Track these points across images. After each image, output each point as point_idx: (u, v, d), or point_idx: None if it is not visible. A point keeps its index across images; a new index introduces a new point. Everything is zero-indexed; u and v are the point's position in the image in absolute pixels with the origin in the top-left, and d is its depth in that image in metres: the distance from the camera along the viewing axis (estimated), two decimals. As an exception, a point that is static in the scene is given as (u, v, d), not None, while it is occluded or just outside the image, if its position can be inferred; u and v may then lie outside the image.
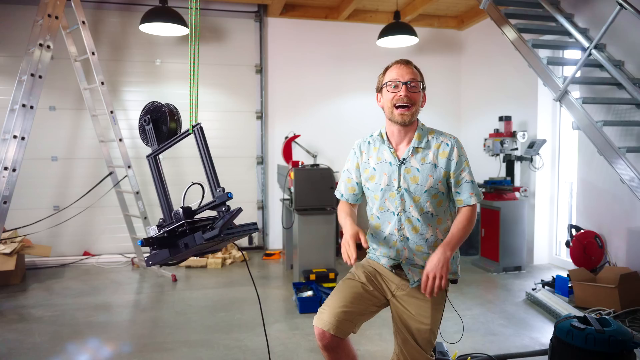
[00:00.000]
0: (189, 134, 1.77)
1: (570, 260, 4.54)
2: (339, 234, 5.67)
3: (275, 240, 6.08)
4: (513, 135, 5.14)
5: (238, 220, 1.68)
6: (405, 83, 1.89)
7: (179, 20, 4.93)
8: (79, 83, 5.08)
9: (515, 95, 5.55)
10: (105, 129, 5.28)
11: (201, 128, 1.76)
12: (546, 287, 4.22)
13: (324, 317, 1.87)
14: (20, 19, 5.27)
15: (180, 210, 1.64)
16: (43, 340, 3.23)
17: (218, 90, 5.81)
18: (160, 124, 1.81)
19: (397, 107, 1.90)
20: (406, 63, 1.94)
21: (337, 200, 2.17)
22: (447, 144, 1.94)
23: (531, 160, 5.06)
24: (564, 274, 4.13)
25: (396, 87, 1.90)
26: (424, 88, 1.96)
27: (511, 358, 2.94)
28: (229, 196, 1.63)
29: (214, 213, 1.69)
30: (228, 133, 5.87)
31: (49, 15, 4.23)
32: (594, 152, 3.82)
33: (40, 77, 4.16)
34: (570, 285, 3.95)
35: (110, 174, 5.15)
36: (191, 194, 1.75)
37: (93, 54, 4.74)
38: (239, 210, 1.61)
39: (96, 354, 3.04)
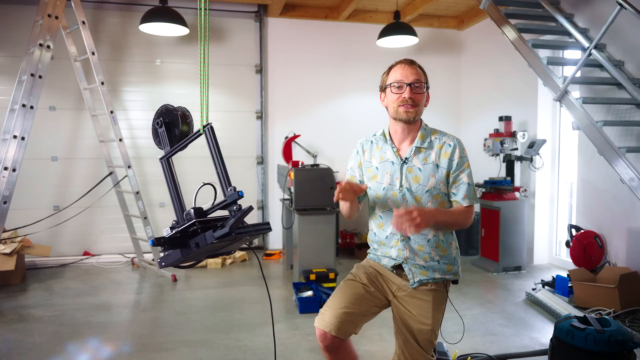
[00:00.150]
0: (200, 134, 1.77)
1: (570, 260, 4.55)
2: (338, 234, 5.67)
3: (275, 240, 6.08)
4: (513, 135, 5.14)
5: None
6: (410, 84, 1.88)
7: (179, 20, 4.93)
8: (79, 83, 5.08)
9: (515, 95, 5.55)
10: (105, 129, 5.28)
11: (212, 128, 1.75)
12: (546, 287, 4.22)
13: (325, 318, 1.87)
14: (20, 19, 5.27)
15: (192, 210, 1.63)
16: (43, 340, 3.23)
17: (218, 90, 5.81)
18: (173, 127, 1.82)
19: (401, 105, 1.90)
20: (410, 63, 1.93)
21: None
22: (450, 145, 1.94)
23: (531, 160, 5.07)
24: (564, 274, 4.13)
25: (400, 87, 1.90)
26: (427, 88, 1.96)
27: (511, 358, 2.94)
28: (239, 195, 1.62)
29: (226, 213, 1.68)
30: (228, 133, 5.87)
31: (49, 15, 4.23)
32: (594, 152, 3.82)
33: (40, 77, 4.16)
34: (570, 285, 3.95)
35: (110, 174, 5.15)
36: (204, 195, 1.74)
37: (93, 54, 4.75)
38: (250, 208, 1.60)
39: (96, 354, 3.04)
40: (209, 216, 1.69)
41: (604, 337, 2.15)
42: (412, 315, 1.93)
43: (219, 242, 1.56)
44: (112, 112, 4.86)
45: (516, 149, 5.17)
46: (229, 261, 5.38)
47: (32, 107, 4.10)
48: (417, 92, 1.90)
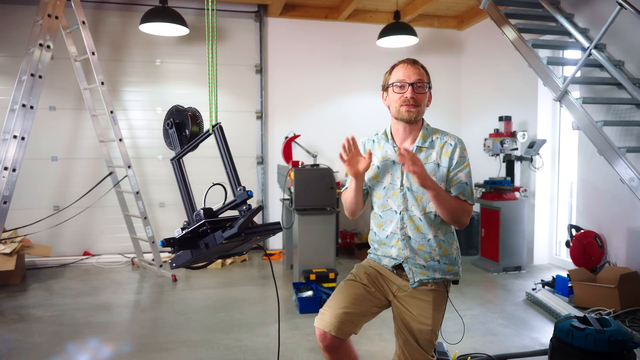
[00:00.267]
0: (210, 134, 1.77)
1: (570, 260, 4.55)
2: (338, 234, 5.67)
3: (275, 240, 6.07)
4: (513, 135, 5.14)
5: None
6: (412, 84, 1.89)
7: (179, 20, 4.93)
8: (79, 83, 5.08)
9: (515, 95, 5.55)
10: (105, 129, 5.28)
11: (221, 128, 1.75)
12: (546, 287, 4.22)
13: (325, 318, 1.87)
14: (20, 19, 5.27)
15: (201, 211, 1.63)
16: (43, 340, 3.23)
17: (218, 90, 5.75)
18: (183, 127, 1.82)
19: (403, 105, 1.90)
20: (413, 63, 1.93)
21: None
22: (451, 144, 1.94)
23: (531, 160, 5.07)
24: (564, 274, 4.13)
25: (402, 87, 1.90)
26: (430, 88, 1.96)
27: (511, 358, 2.94)
28: (249, 194, 1.62)
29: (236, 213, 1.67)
30: (228, 133, 5.67)
31: (49, 15, 4.23)
32: (594, 152, 3.82)
33: (40, 77, 4.16)
34: (570, 285, 3.95)
35: (110, 174, 5.15)
36: (214, 195, 1.74)
37: (93, 54, 4.74)
38: (260, 208, 1.59)
39: (96, 354, 3.04)
40: (219, 216, 1.68)
41: (604, 337, 2.15)
42: (413, 315, 1.93)
43: (229, 243, 1.55)
44: (112, 112, 4.86)
45: (516, 149, 5.17)
46: (229, 261, 5.38)
47: (32, 107, 4.10)
48: (419, 91, 1.91)
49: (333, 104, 6.32)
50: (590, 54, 3.68)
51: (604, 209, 4.42)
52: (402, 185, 1.94)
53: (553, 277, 4.24)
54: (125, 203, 5.19)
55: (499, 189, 5.03)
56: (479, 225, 5.30)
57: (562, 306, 3.70)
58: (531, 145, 5.00)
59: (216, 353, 3.04)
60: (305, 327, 3.43)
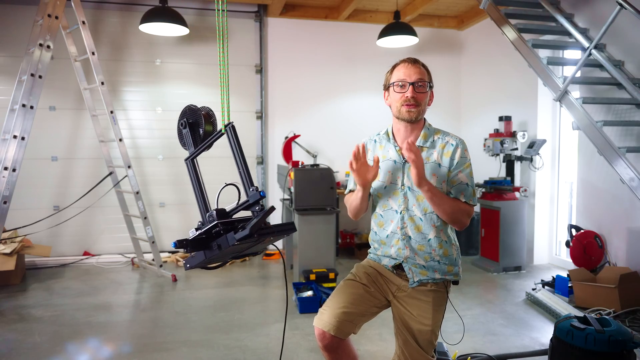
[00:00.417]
0: (222, 134, 1.76)
1: (570, 260, 4.55)
2: (338, 234, 5.67)
3: (275, 240, 6.07)
4: (513, 135, 5.14)
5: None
6: (412, 84, 1.89)
7: (179, 20, 4.93)
8: (79, 83, 5.08)
9: (515, 95, 5.55)
10: (105, 129, 5.28)
11: (233, 127, 1.74)
12: (546, 287, 4.22)
13: (324, 318, 1.87)
14: (20, 19, 5.27)
15: (214, 212, 1.62)
16: (43, 340, 3.23)
17: (218, 90, 5.78)
18: (197, 127, 1.80)
19: (403, 105, 1.91)
20: (414, 62, 1.93)
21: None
22: (452, 144, 1.93)
23: (531, 160, 5.07)
24: (564, 274, 4.13)
25: (403, 87, 1.90)
26: (431, 87, 1.96)
27: (511, 358, 2.94)
28: (261, 195, 1.61)
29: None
30: None
31: (49, 15, 4.23)
32: (594, 152, 3.82)
33: (40, 77, 4.16)
34: (570, 285, 3.95)
35: (110, 174, 5.15)
36: (227, 195, 1.73)
37: (93, 54, 4.74)
38: (272, 208, 1.58)
39: (96, 354, 3.04)
40: (233, 217, 1.66)
41: (604, 337, 2.15)
42: (412, 315, 1.93)
43: (241, 244, 1.54)
44: (112, 112, 4.86)
45: (516, 149, 5.17)
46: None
47: (32, 107, 4.10)
48: (420, 91, 1.91)
49: (333, 104, 6.32)
50: (590, 54, 3.68)
51: (604, 209, 4.42)
52: (403, 184, 1.94)
53: (553, 277, 4.24)
54: (125, 203, 5.19)
55: (499, 189, 5.03)
56: (479, 225, 5.30)
57: (562, 306, 3.70)
58: (531, 145, 5.00)
59: (216, 353, 3.04)
60: (305, 327, 3.43)
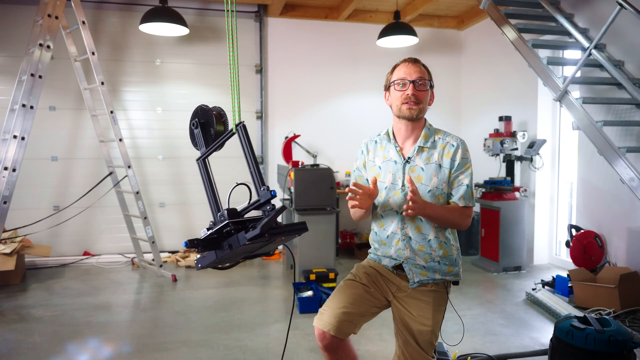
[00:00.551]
0: (233, 133, 1.76)
1: (570, 260, 4.55)
2: (338, 234, 5.67)
3: (275, 240, 6.07)
4: (513, 135, 5.14)
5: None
6: (413, 82, 1.90)
7: (179, 20, 4.93)
8: (79, 83, 5.08)
9: (515, 95, 5.55)
10: (105, 129, 5.28)
11: (244, 127, 1.74)
12: (546, 287, 4.22)
13: (324, 318, 1.87)
14: (20, 19, 5.27)
15: (225, 211, 1.61)
16: (43, 340, 3.23)
17: (218, 90, 5.81)
18: (208, 127, 1.81)
19: (404, 103, 1.91)
20: (414, 61, 1.95)
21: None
22: (453, 145, 1.94)
23: (531, 160, 5.07)
24: (564, 274, 4.13)
25: (404, 85, 1.92)
26: (431, 86, 1.97)
27: (511, 358, 2.94)
28: (272, 194, 1.60)
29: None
30: None
31: (49, 15, 4.23)
32: (594, 152, 3.82)
33: (40, 77, 4.16)
34: (570, 285, 3.95)
35: (110, 174, 5.15)
36: (238, 195, 1.73)
37: (93, 54, 4.74)
38: (283, 208, 1.58)
39: (96, 354, 3.04)
40: (244, 216, 1.65)
41: (604, 337, 2.15)
42: (412, 316, 1.93)
43: (253, 244, 1.53)
44: (112, 112, 4.86)
45: (516, 149, 5.17)
46: (229, 261, 5.37)
47: (32, 107, 4.10)
48: (421, 89, 1.92)
49: (333, 104, 6.32)
50: (590, 54, 3.68)
51: (604, 209, 4.42)
52: (403, 185, 1.94)
53: (553, 277, 4.24)
54: (125, 203, 5.19)
55: (499, 189, 5.03)
56: (479, 225, 5.30)
57: (562, 306, 3.70)
58: (531, 145, 5.00)
59: (216, 353, 3.04)
60: (305, 327, 3.43)
